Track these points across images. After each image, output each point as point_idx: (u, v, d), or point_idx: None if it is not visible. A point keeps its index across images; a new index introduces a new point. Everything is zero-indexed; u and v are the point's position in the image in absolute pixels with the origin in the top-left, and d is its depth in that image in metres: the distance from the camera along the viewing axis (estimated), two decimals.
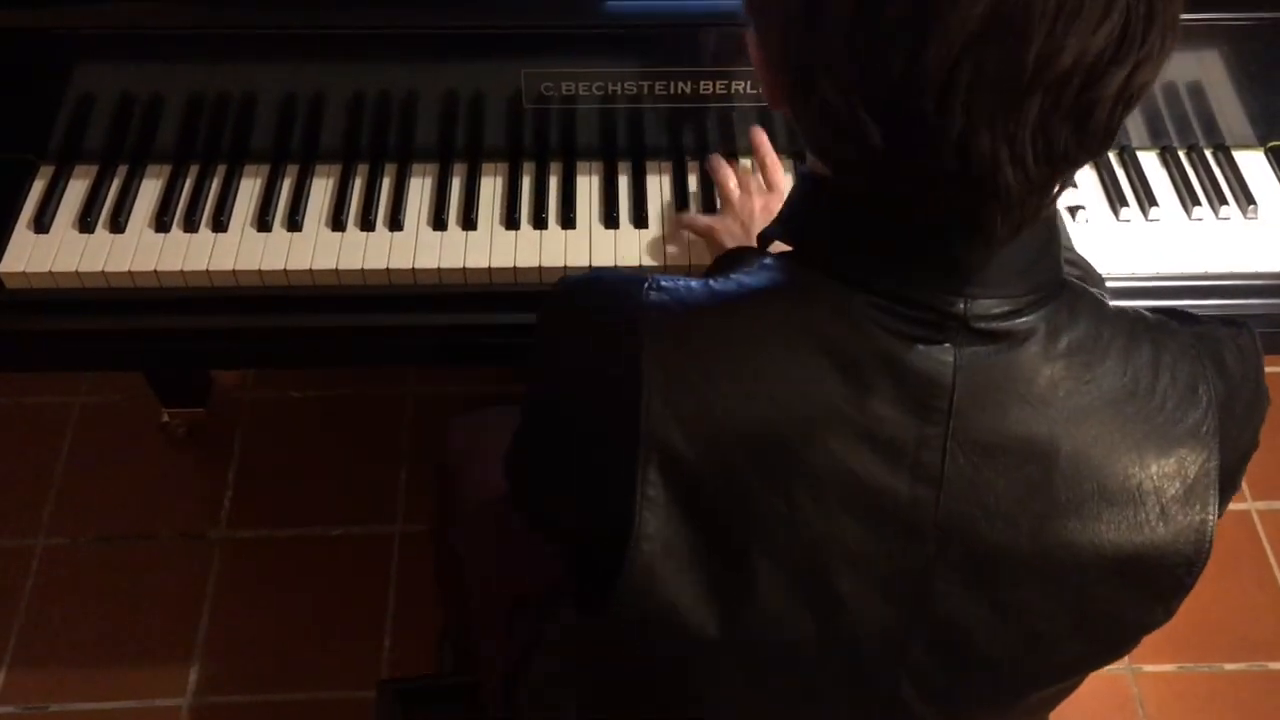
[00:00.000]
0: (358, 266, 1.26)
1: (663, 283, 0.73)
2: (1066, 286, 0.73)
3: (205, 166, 1.34)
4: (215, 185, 1.33)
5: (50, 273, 1.25)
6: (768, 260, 0.75)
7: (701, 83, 1.29)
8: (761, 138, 1.29)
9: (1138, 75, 0.61)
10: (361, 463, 2.03)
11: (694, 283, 0.74)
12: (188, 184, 1.33)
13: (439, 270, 1.27)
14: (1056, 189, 0.67)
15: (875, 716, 0.81)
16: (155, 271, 1.26)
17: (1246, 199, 1.34)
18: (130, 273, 1.26)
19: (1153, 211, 1.33)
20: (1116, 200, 1.34)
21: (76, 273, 1.25)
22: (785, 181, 1.27)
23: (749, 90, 1.30)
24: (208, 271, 1.26)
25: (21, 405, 2.12)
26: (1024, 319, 0.70)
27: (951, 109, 0.60)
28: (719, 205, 1.30)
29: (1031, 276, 0.70)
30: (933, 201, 0.66)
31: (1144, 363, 0.72)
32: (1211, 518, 0.73)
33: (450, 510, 1.33)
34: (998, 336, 0.69)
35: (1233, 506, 2.00)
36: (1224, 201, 1.34)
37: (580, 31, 1.27)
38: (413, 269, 1.27)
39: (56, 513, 1.97)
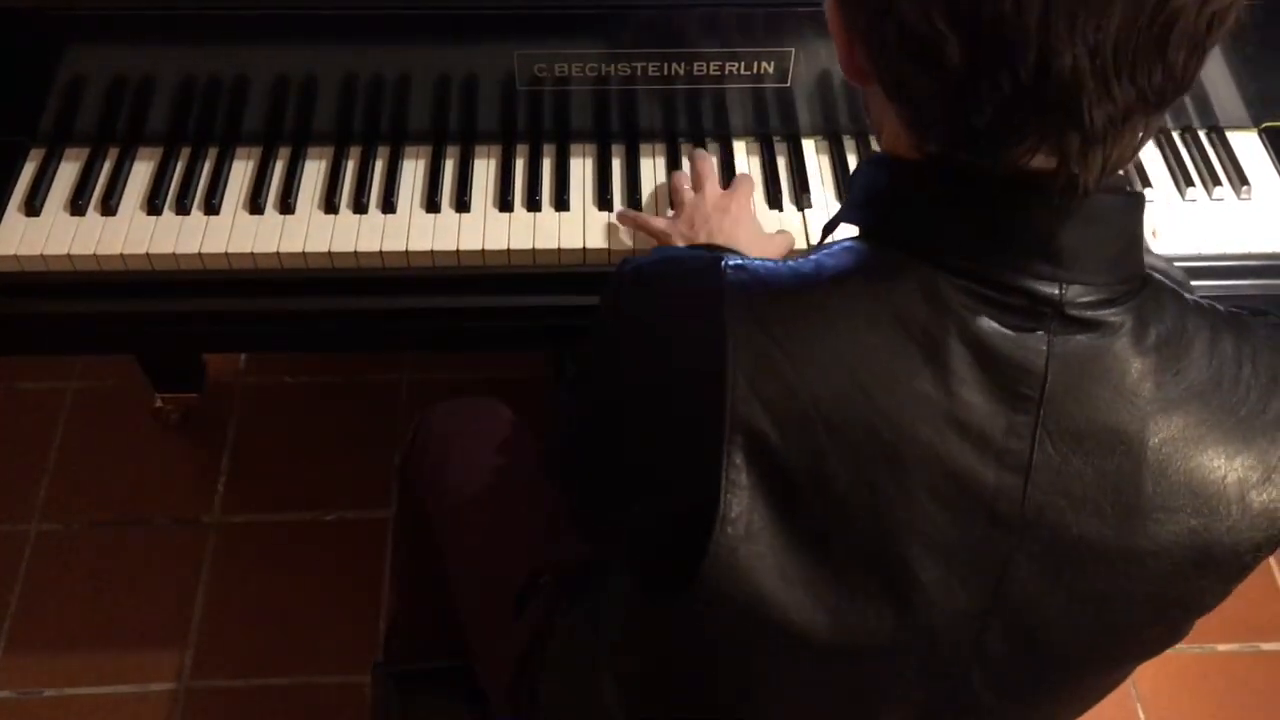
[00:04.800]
0: (351, 249, 1.26)
1: (740, 262, 0.72)
2: (1149, 280, 0.72)
3: (197, 149, 1.34)
4: (207, 168, 1.33)
5: (42, 255, 1.25)
6: (848, 242, 0.73)
7: (695, 64, 1.29)
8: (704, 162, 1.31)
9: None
10: (356, 448, 2.03)
11: (771, 263, 0.72)
12: (180, 166, 1.33)
13: (432, 253, 1.26)
14: (1140, 135, 0.65)
15: (941, 711, 0.80)
16: (147, 254, 1.25)
17: (1240, 180, 1.35)
18: (122, 255, 1.25)
19: (1147, 193, 1.33)
20: None
21: (68, 255, 1.25)
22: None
23: (743, 71, 1.30)
24: (200, 254, 1.25)
25: (14, 390, 2.11)
26: (1116, 309, 0.69)
27: (1030, 7, 0.59)
28: (671, 206, 1.29)
29: (1121, 267, 0.70)
30: (1012, 131, 0.63)
31: (1228, 355, 0.72)
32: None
33: (425, 498, 1.30)
34: (1092, 325, 0.68)
35: None
36: (1218, 182, 1.34)
37: (573, 12, 1.26)
38: (406, 251, 1.26)
39: (50, 498, 1.97)
